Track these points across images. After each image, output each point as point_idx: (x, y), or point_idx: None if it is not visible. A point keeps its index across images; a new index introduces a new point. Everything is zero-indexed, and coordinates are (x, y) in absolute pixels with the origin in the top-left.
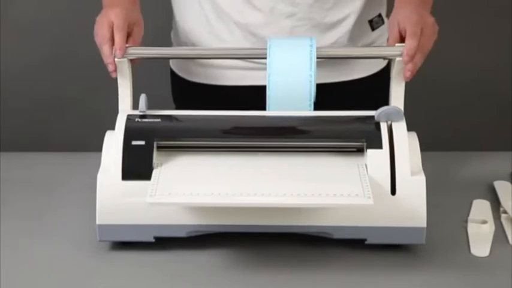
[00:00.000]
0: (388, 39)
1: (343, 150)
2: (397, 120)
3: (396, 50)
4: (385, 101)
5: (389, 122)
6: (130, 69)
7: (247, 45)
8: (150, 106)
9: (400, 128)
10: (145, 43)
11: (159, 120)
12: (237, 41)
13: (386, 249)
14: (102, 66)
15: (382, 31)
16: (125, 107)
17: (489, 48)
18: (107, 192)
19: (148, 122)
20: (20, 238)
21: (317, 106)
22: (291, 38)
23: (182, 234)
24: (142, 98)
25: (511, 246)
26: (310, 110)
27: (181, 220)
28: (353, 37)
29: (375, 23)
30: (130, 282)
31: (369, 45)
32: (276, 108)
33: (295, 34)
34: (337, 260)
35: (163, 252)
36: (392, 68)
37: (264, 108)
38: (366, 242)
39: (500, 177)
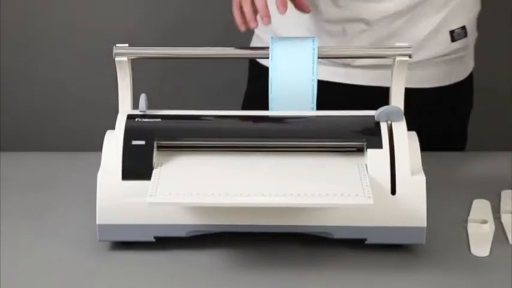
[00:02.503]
0: None
1: (343, 150)
2: (397, 120)
3: (396, 50)
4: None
5: (389, 122)
6: (130, 69)
7: None
8: (150, 106)
9: (400, 128)
10: (145, 43)
11: (159, 120)
12: None
13: (386, 249)
14: (103, 65)
15: (464, 43)
16: (125, 107)
17: (489, 48)
18: (107, 192)
19: (149, 122)
20: (20, 238)
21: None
22: (294, 39)
23: (182, 234)
24: (143, 98)
25: (511, 246)
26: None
27: (181, 220)
28: (427, 45)
29: (456, 35)
30: (130, 282)
31: (447, 55)
32: (278, 108)
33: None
34: (337, 260)
35: (163, 252)
36: (392, 67)
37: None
38: (366, 242)
39: (500, 177)
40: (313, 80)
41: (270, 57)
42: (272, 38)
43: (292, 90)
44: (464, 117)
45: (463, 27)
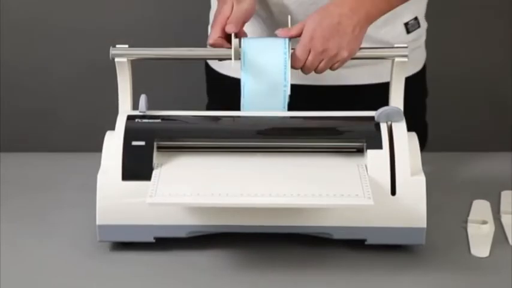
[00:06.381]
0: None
1: (343, 150)
2: (397, 120)
3: (396, 51)
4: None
5: (389, 123)
6: (130, 69)
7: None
8: (150, 106)
9: (400, 128)
10: (145, 43)
11: (159, 120)
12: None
13: (386, 249)
14: (102, 65)
15: (418, 34)
16: (125, 107)
17: (489, 47)
18: (107, 192)
19: (149, 123)
20: (20, 238)
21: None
22: (265, 40)
23: (182, 234)
24: (143, 99)
25: (511, 246)
26: (284, 111)
27: (181, 220)
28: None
29: (410, 26)
30: (130, 282)
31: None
32: (250, 108)
33: None
34: (337, 260)
35: (163, 252)
36: (392, 68)
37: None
38: (366, 243)
39: (500, 178)
40: (285, 86)
41: (241, 62)
42: (243, 39)
43: (263, 95)
44: (424, 106)
45: (416, 18)
